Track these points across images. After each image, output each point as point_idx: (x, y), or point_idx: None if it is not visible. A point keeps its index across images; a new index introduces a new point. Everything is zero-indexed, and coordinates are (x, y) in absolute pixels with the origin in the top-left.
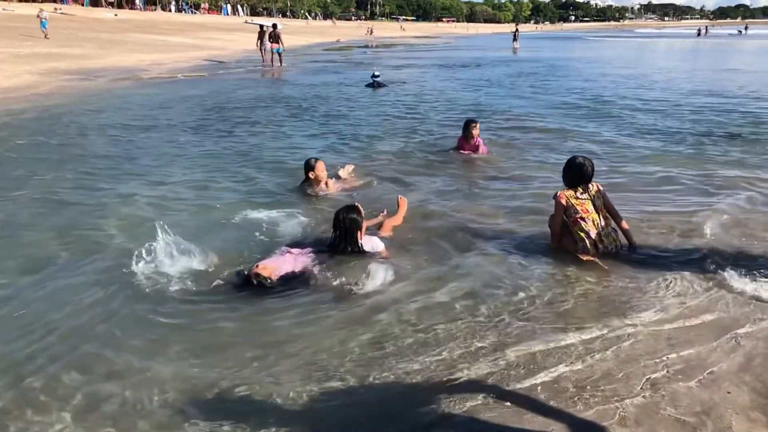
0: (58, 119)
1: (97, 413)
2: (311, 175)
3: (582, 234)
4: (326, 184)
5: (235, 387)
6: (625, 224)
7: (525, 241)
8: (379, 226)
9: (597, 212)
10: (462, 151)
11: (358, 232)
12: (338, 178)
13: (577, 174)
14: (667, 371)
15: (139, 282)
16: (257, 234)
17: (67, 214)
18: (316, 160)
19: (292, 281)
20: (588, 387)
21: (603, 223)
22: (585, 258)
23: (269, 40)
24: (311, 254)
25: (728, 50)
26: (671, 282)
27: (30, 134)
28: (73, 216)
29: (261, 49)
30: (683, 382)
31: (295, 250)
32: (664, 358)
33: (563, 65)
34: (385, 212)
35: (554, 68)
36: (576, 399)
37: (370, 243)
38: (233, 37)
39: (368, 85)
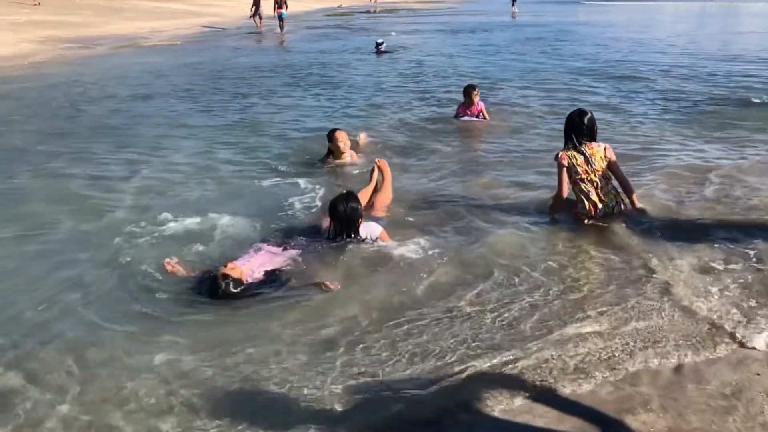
0: (57, 89)
1: (86, 402)
2: (331, 147)
3: (582, 195)
4: (350, 155)
5: (228, 385)
6: (635, 197)
7: (532, 216)
8: (371, 205)
9: (594, 172)
10: (466, 118)
11: (360, 221)
12: (357, 144)
13: (574, 127)
14: (692, 352)
15: (131, 267)
16: (254, 214)
17: (56, 189)
18: (335, 130)
19: (278, 277)
20: (610, 371)
21: (603, 183)
22: (586, 221)
23: (275, 5)
24: (301, 246)
25: (742, 14)
26: (688, 256)
27: (28, 105)
28: (63, 192)
29: (255, 17)
30: (709, 364)
31: (274, 248)
32: (687, 338)
33: (570, 30)
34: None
35: (562, 33)
36: (599, 384)
37: (366, 229)
38: (232, 3)
39: (373, 52)
